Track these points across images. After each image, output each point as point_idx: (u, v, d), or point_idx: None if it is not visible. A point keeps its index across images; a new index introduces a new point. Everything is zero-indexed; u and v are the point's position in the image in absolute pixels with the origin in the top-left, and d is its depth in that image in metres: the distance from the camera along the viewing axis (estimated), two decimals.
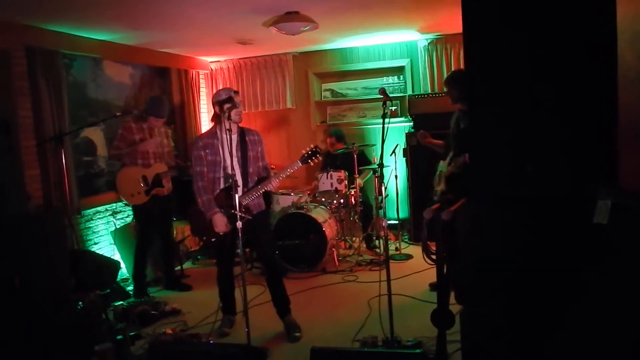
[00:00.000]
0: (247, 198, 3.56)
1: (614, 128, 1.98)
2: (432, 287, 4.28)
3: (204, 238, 3.76)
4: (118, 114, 4.65)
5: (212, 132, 3.65)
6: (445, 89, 4.23)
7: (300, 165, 3.59)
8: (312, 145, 3.61)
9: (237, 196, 3.25)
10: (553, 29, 2.13)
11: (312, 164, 3.65)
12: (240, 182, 3.58)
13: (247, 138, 3.66)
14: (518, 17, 2.19)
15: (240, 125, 3.68)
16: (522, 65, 2.19)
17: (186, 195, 5.65)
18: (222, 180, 3.62)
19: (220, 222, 3.52)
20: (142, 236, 4.67)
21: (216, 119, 3.60)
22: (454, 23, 5.45)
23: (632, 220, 1.72)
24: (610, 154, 2.00)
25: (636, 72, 2.09)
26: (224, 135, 3.48)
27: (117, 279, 4.67)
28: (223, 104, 3.35)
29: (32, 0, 3.69)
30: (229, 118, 3.43)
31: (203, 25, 4.87)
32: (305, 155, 3.57)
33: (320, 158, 3.61)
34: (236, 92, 3.58)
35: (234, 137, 3.59)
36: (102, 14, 4.19)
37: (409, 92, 6.49)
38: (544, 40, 2.14)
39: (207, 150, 3.58)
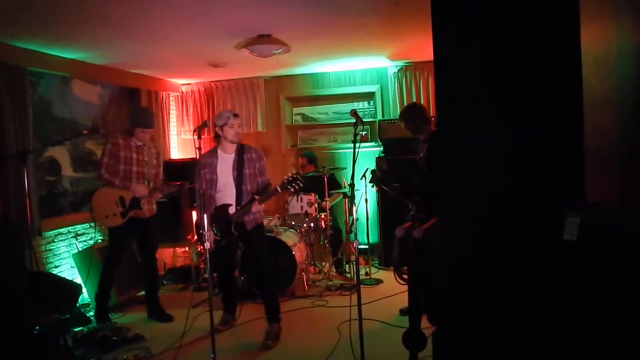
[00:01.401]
0: (237, 215, 3.79)
1: (580, 148, 2.03)
2: (403, 312, 4.26)
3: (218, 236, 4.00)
4: (84, 132, 4.53)
5: (211, 151, 3.96)
6: (398, 122, 4.36)
7: (280, 191, 3.76)
8: (293, 172, 3.77)
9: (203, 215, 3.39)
10: (520, 54, 2.19)
11: (292, 190, 3.79)
12: (233, 200, 3.82)
13: (244, 156, 3.87)
14: (485, 44, 2.26)
15: (232, 143, 3.87)
16: (490, 89, 2.25)
17: (170, 218, 5.59)
18: (217, 197, 3.88)
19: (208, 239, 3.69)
20: (110, 258, 4.46)
21: (216, 138, 3.91)
22: (423, 51, 5.59)
23: (601, 235, 1.75)
24: (578, 173, 2.04)
25: (600, 95, 2.17)
26: (222, 154, 3.86)
27: (78, 304, 4.48)
28: (201, 128, 3.46)
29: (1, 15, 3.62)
30: (217, 138, 3.85)
31: (176, 46, 4.85)
32: (286, 181, 3.69)
33: (301, 185, 3.69)
34: (236, 115, 3.87)
35: (232, 156, 3.87)
36: (76, 30, 4.13)
37: (379, 117, 6.57)
38: (511, 65, 2.20)
39: (205, 169, 3.86)
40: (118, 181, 4.26)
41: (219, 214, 3.88)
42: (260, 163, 3.94)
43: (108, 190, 4.29)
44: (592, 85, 2.16)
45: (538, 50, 2.16)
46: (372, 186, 5.78)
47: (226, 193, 3.89)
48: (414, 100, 6.38)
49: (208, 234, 3.37)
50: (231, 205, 3.87)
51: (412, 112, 4.19)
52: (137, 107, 4.55)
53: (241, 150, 3.89)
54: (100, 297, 4.43)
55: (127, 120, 4.50)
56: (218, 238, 3.87)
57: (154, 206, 4.53)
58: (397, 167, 5.64)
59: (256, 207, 3.79)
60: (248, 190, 3.86)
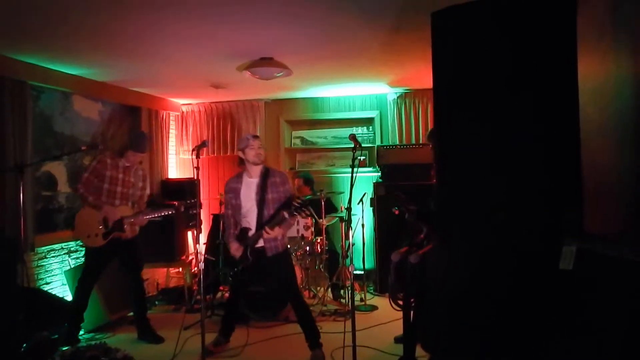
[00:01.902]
0: (252, 240, 3.83)
1: (578, 177, 2.04)
2: (397, 340, 4.19)
3: (226, 271, 4.22)
4: (83, 148, 4.51)
5: (237, 176, 4.02)
6: (428, 142, 4.33)
7: (287, 218, 3.74)
8: (299, 199, 3.75)
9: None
10: (518, 85, 2.21)
11: (300, 217, 3.82)
12: (253, 225, 3.85)
13: (268, 180, 3.87)
14: (483, 74, 2.28)
15: (255, 165, 3.90)
16: (488, 119, 2.26)
17: (164, 238, 5.55)
18: (242, 222, 3.93)
19: (233, 248, 3.92)
20: (86, 278, 4.33)
21: (240, 163, 3.98)
22: (422, 79, 5.64)
23: (597, 264, 1.74)
24: (576, 203, 2.04)
25: (597, 125, 2.18)
26: (247, 179, 3.91)
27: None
28: (199, 148, 3.60)
29: (4, 30, 3.65)
30: (241, 163, 3.93)
31: (178, 66, 4.89)
32: (294, 208, 3.70)
33: (308, 212, 3.73)
34: (256, 137, 3.92)
35: (255, 180, 3.90)
36: (79, 46, 4.16)
37: (378, 143, 6.60)
38: (510, 96, 2.22)
39: (230, 195, 3.96)
40: (92, 198, 4.20)
41: (240, 237, 3.93)
42: (285, 187, 3.93)
43: (92, 210, 4.23)
44: (590, 115, 2.17)
45: (535, 81, 2.18)
46: (395, 209, 5.72)
47: (249, 218, 3.91)
48: (413, 126, 6.44)
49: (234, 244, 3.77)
50: (251, 229, 3.88)
51: None
52: (135, 130, 4.51)
53: (265, 175, 3.90)
54: (73, 318, 4.29)
55: (126, 139, 4.44)
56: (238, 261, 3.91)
57: (137, 227, 4.45)
58: (414, 192, 5.60)
59: (267, 235, 3.77)
60: (271, 215, 3.86)
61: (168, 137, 6.91)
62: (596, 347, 1.74)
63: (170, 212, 4.55)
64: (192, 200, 4.67)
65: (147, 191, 4.69)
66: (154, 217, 4.50)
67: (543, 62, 2.16)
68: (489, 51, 2.27)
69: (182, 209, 4.75)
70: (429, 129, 5.12)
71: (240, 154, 3.92)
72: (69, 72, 4.97)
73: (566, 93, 2.12)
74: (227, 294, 4.39)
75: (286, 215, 3.69)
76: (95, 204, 4.21)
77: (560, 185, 2.05)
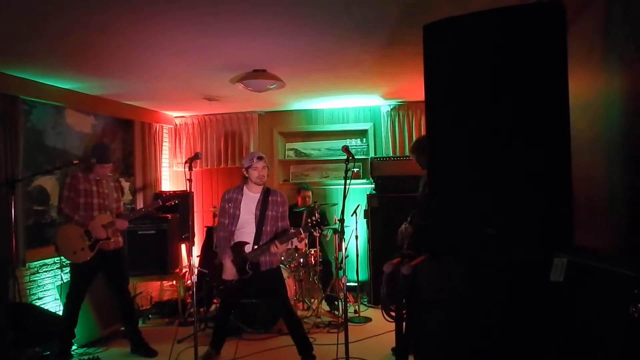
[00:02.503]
0: (254, 254, 3.87)
1: (568, 193, 2.04)
2: (395, 351, 4.17)
3: (214, 284, 4.15)
4: (75, 161, 4.48)
5: (238, 187, 4.07)
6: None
7: (302, 234, 3.90)
8: (316, 216, 3.81)
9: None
10: (509, 100, 2.22)
11: (315, 234, 3.87)
12: (251, 239, 3.91)
13: (270, 198, 3.97)
14: (476, 86, 2.29)
15: (257, 185, 3.99)
16: (481, 133, 2.27)
17: (158, 250, 5.53)
18: (236, 233, 3.97)
19: (228, 269, 3.88)
20: (75, 294, 4.25)
21: (243, 179, 4.04)
22: (415, 91, 5.68)
23: (588, 277, 1.74)
24: (566, 217, 2.05)
25: (587, 140, 2.20)
26: (248, 192, 3.99)
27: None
28: (192, 160, 3.69)
29: None
30: (244, 179, 4.00)
31: (171, 79, 4.90)
32: (309, 224, 3.89)
33: (322, 228, 3.84)
34: (260, 158, 3.97)
35: (257, 195, 3.99)
36: (71, 62, 4.17)
37: (372, 154, 6.62)
38: (501, 110, 2.23)
39: (230, 204, 3.99)
40: (77, 217, 4.15)
41: (235, 250, 3.95)
42: (283, 208, 4.05)
43: (73, 226, 4.16)
44: (581, 131, 2.19)
45: (527, 95, 2.19)
46: (365, 217, 5.72)
47: (245, 230, 3.97)
48: (406, 139, 6.46)
49: (230, 268, 3.77)
50: (248, 243, 3.93)
51: (422, 146, 4.11)
52: (97, 143, 4.44)
53: (267, 193, 4.02)
54: (64, 333, 4.22)
55: (89, 154, 4.35)
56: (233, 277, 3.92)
57: (120, 238, 4.42)
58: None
59: (275, 249, 3.84)
60: (267, 232, 3.95)
61: (161, 149, 6.90)
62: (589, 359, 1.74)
63: (150, 209, 4.53)
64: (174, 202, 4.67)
65: (121, 203, 4.66)
66: (136, 217, 4.57)
67: (534, 76, 2.17)
68: (481, 64, 2.28)
69: (177, 217, 4.71)
70: (412, 142, 5.14)
71: (244, 172, 4.01)
72: (62, 86, 4.97)
73: (557, 108, 2.12)
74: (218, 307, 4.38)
75: (302, 231, 3.83)
76: (80, 222, 4.15)
77: (551, 201, 2.06)
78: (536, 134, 2.14)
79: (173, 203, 4.59)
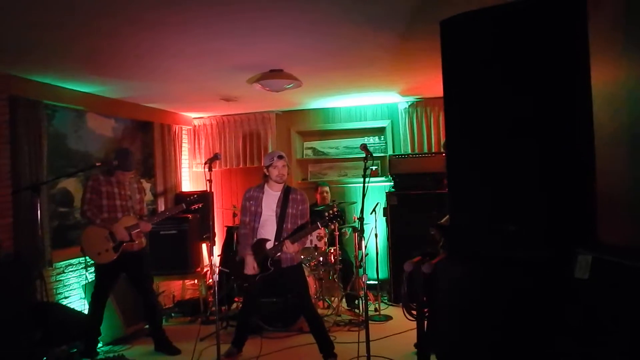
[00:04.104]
0: (274, 251, 3.90)
1: (592, 187, 2.01)
2: (417, 347, 4.15)
3: (238, 281, 4.19)
4: (98, 164, 4.56)
5: (259, 186, 4.13)
6: (444, 152, 4.31)
7: (320, 228, 3.91)
8: (335, 209, 3.88)
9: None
10: (531, 93, 2.19)
11: (332, 227, 3.86)
12: (272, 236, 3.95)
13: (290, 196, 4.02)
14: (497, 81, 2.27)
15: (277, 183, 4.03)
16: (501, 127, 2.25)
17: (179, 250, 5.60)
18: (258, 231, 4.01)
19: (249, 264, 3.93)
20: (100, 294, 4.38)
21: (264, 177, 4.10)
22: (434, 87, 5.64)
23: (613, 274, 1.72)
24: (589, 212, 2.01)
25: (609, 132, 2.16)
26: (269, 190, 4.04)
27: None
28: (212, 161, 3.76)
29: (17, 52, 3.72)
30: (265, 177, 4.06)
31: (189, 81, 4.95)
32: (327, 217, 3.86)
33: (341, 220, 3.94)
34: (281, 157, 4.02)
35: (277, 193, 4.04)
36: (89, 67, 4.24)
37: (390, 152, 6.60)
38: (522, 103, 2.20)
39: (251, 202, 4.06)
40: (99, 220, 4.21)
41: (257, 247, 3.99)
42: (303, 206, 4.08)
43: (96, 228, 4.23)
44: (602, 122, 2.15)
45: (548, 88, 2.16)
46: (384, 215, 5.71)
47: (267, 228, 4.01)
48: (424, 135, 6.42)
49: (251, 263, 3.84)
50: (269, 240, 3.97)
51: None
52: (120, 150, 4.46)
53: (287, 191, 4.07)
54: (90, 332, 4.33)
55: (111, 159, 4.42)
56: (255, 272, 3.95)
57: (144, 239, 4.49)
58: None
59: (287, 248, 3.85)
60: (288, 229, 3.99)
61: (181, 150, 6.98)
62: (611, 357, 1.72)
63: (174, 213, 4.57)
64: (194, 200, 4.69)
65: (144, 204, 4.70)
66: (160, 220, 4.58)
67: (556, 69, 2.14)
68: (500, 58, 2.26)
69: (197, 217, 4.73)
70: (444, 138, 5.11)
71: (265, 170, 4.06)
72: (82, 90, 5.06)
73: (580, 100, 2.09)
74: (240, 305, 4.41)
75: (319, 225, 3.84)
76: (103, 225, 4.22)
77: (573, 195, 2.03)
78: (558, 127, 2.11)
79: (198, 207, 4.60)
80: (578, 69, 2.09)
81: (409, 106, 6.48)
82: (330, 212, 3.85)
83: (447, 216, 3.93)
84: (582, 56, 2.08)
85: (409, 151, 6.42)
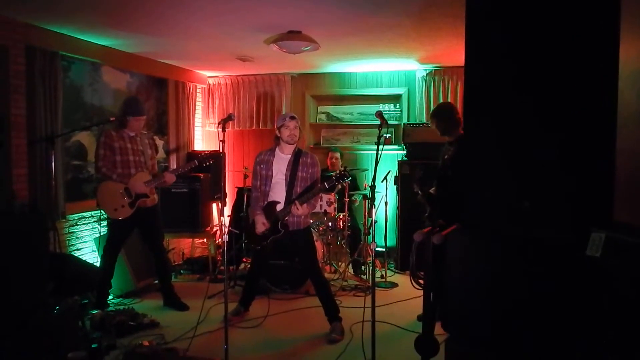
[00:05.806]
0: (284, 213, 3.92)
1: (610, 167, 1.98)
2: (420, 318, 4.21)
3: (252, 245, 4.22)
4: (112, 118, 4.57)
5: (270, 149, 4.13)
6: (430, 120, 4.30)
7: (327, 188, 3.88)
8: (342, 168, 3.89)
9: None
10: (555, 66, 2.14)
11: (339, 186, 3.86)
12: (283, 198, 3.96)
13: (300, 159, 4.00)
14: (520, 52, 2.21)
15: (288, 144, 3.99)
16: (522, 101, 2.21)
17: (190, 209, 5.66)
18: (270, 195, 4.03)
19: (259, 222, 3.97)
20: (111, 248, 4.45)
21: (275, 139, 4.08)
22: (454, 56, 5.53)
23: (627, 253, 1.71)
24: (606, 192, 1.99)
25: (634, 111, 2.11)
26: (279, 154, 4.03)
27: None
28: (225, 121, 3.37)
29: (45, 1, 3.70)
30: (276, 140, 4.04)
31: (206, 39, 4.89)
32: (334, 177, 3.85)
33: (346, 183, 3.83)
34: (293, 117, 3.98)
35: (288, 157, 4.02)
36: (105, 20, 4.20)
37: (405, 120, 6.53)
38: (546, 76, 2.15)
39: (262, 165, 4.06)
40: (115, 176, 4.26)
41: (268, 209, 4.02)
42: (313, 169, 4.05)
43: (112, 184, 4.28)
44: (627, 100, 2.10)
45: (573, 61, 2.10)
46: (395, 183, 5.71)
47: (277, 191, 4.02)
48: None
49: (261, 220, 3.90)
50: (279, 202, 3.99)
51: (443, 113, 4.16)
52: (128, 97, 4.53)
53: (298, 154, 4.03)
54: (101, 285, 4.42)
55: (122, 109, 4.44)
56: (266, 232, 3.99)
57: (156, 196, 4.55)
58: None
59: (295, 211, 3.86)
60: (298, 192, 3.98)
61: (194, 109, 6.96)
62: (624, 337, 1.72)
63: (188, 168, 4.59)
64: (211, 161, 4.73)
65: (155, 160, 4.73)
66: (181, 172, 4.62)
67: (583, 41, 2.07)
68: (525, 30, 2.19)
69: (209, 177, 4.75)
70: (461, 108, 5.04)
71: (276, 131, 4.02)
72: (99, 42, 5.02)
73: (605, 76, 2.03)
74: (249, 266, 4.47)
75: (326, 185, 3.83)
76: (119, 180, 4.27)
77: (592, 174, 2.00)
78: (581, 102, 2.07)
79: (209, 163, 4.64)
80: (607, 42, 2.03)
81: (427, 74, 6.37)
82: (337, 172, 3.84)
83: (434, 187, 3.97)
84: (612, 29, 2.01)
85: (424, 120, 6.33)
